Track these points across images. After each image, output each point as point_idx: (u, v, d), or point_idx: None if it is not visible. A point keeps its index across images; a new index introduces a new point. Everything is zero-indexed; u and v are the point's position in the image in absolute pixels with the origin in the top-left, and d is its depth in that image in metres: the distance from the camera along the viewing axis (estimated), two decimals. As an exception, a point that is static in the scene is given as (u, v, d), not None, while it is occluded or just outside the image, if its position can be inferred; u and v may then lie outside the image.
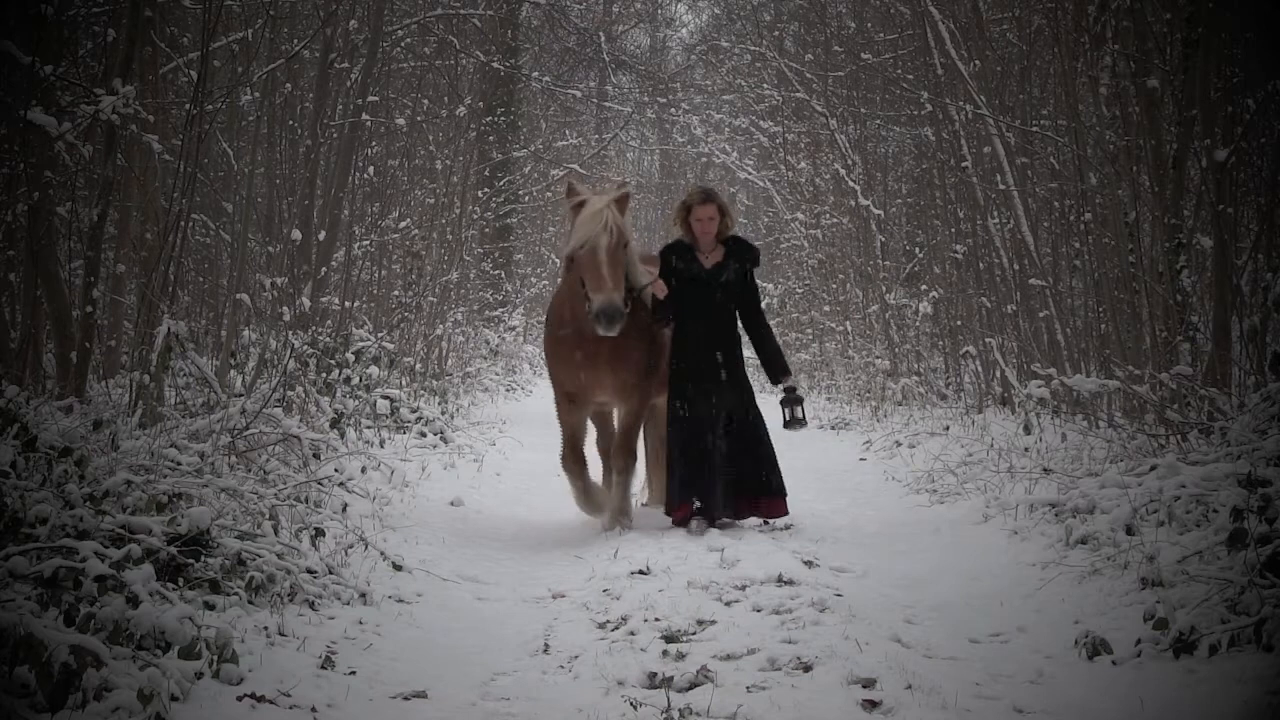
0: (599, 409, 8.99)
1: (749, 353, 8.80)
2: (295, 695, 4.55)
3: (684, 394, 8.31)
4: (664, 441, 8.94)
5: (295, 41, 14.20)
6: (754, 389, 8.57)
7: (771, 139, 24.87)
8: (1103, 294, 11.53)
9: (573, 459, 8.72)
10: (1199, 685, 4.65)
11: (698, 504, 8.15)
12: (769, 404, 8.76)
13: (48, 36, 8.78)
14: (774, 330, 8.97)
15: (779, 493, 8.32)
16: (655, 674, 5.00)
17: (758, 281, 8.70)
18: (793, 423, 8.47)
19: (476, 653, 5.57)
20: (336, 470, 8.98)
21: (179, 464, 7.06)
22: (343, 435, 10.70)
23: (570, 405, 8.68)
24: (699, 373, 8.28)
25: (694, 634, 5.61)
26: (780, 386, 8.56)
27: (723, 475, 8.17)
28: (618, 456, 8.64)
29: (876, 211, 19.10)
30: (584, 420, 8.88)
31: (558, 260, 26.34)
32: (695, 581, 6.57)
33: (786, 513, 8.35)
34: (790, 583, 6.59)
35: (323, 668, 4.95)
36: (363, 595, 6.08)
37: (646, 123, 33.69)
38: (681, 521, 8.19)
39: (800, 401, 8.53)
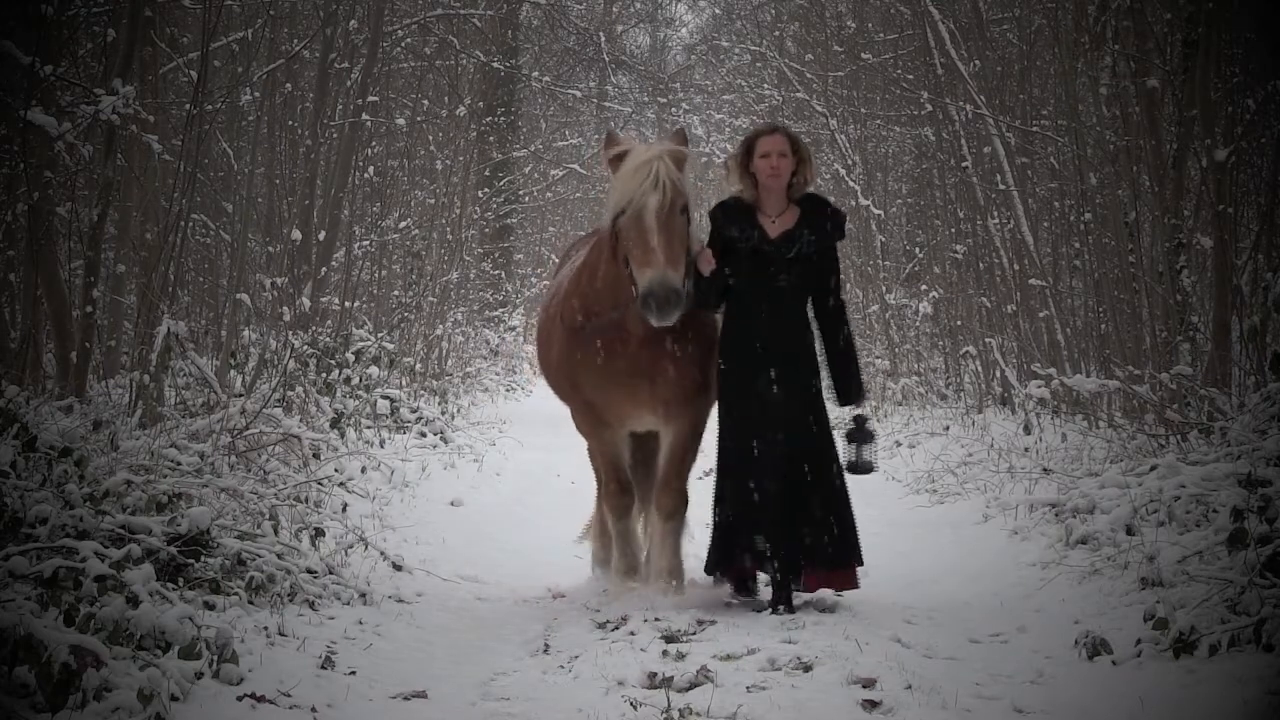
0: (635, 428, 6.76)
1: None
2: (295, 695, 4.54)
3: (731, 416, 6.20)
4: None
5: (295, 41, 14.22)
6: (828, 408, 6.32)
7: (772, 139, 24.82)
8: (1103, 294, 11.53)
9: (618, 492, 6.63)
10: (1199, 685, 4.64)
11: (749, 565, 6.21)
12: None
13: (48, 36, 8.78)
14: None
15: (853, 559, 6.20)
16: (655, 674, 4.99)
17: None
18: (857, 466, 6.38)
19: (476, 653, 5.57)
20: (336, 470, 9.00)
21: (179, 464, 7.06)
22: (343, 435, 10.71)
23: (600, 423, 6.61)
24: (753, 386, 6.11)
25: (694, 634, 5.60)
26: (850, 414, 6.47)
27: (786, 533, 6.08)
28: (664, 496, 6.53)
29: (876, 211, 19.08)
30: (624, 438, 6.74)
31: (556, 260, 26.30)
32: (695, 581, 6.56)
33: (857, 585, 6.24)
34: (790, 583, 6.58)
35: (323, 668, 4.94)
36: (363, 595, 6.08)
37: (646, 123, 33.65)
38: (734, 583, 6.33)
39: (871, 438, 6.40)
